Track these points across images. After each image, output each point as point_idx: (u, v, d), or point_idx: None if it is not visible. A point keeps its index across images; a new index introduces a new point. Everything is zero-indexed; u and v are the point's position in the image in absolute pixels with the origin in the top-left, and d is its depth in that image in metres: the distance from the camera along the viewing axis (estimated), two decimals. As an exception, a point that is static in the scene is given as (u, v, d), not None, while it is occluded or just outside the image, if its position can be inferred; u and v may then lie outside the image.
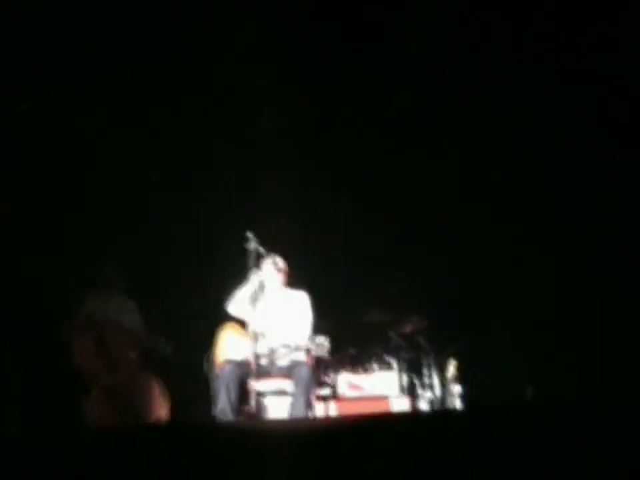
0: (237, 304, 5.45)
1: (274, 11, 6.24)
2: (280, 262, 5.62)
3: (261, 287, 5.51)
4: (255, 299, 5.24)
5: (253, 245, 5.14)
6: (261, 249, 5.23)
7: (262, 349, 5.09)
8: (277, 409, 5.44)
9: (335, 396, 6.48)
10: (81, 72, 6.31)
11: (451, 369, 6.93)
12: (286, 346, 5.08)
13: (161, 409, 5.83)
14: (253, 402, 4.82)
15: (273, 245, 5.52)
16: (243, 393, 4.97)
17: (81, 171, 6.73)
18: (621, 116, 6.34)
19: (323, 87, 6.88)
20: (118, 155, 6.80)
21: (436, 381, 6.94)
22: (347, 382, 6.54)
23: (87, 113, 6.54)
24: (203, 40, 6.34)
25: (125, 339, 5.99)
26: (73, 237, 6.56)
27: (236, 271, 5.36)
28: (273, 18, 6.30)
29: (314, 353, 5.01)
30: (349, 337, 7.10)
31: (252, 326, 5.11)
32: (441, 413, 5.69)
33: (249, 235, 5.17)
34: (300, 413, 4.86)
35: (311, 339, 5.08)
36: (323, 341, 4.95)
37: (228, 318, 5.56)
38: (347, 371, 6.67)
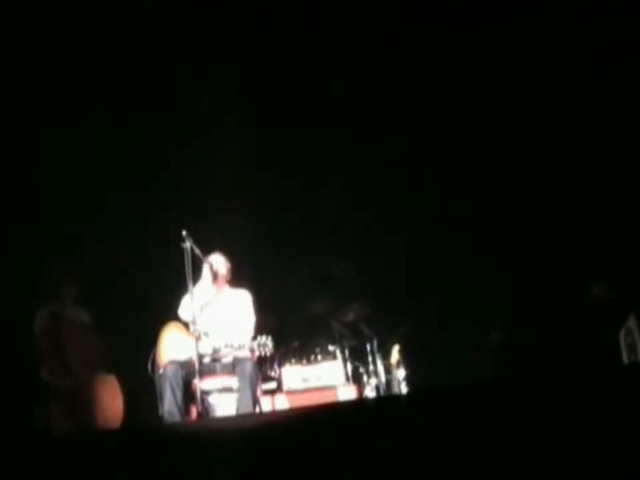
0: (187, 310, 5.34)
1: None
2: (219, 264, 5.56)
3: (208, 302, 5.47)
4: (202, 307, 5.25)
5: (188, 244, 5.08)
6: (197, 251, 5.17)
7: (205, 348, 5.06)
8: (224, 406, 5.43)
9: (280, 389, 6.51)
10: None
11: (395, 354, 7.00)
12: (229, 345, 5.06)
13: (116, 410, 5.81)
14: (199, 401, 4.80)
15: (210, 244, 5.48)
16: (188, 392, 4.94)
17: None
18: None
19: (262, 79, 6.86)
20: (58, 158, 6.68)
21: (380, 367, 7.01)
22: (292, 375, 6.56)
23: (28, 117, 6.42)
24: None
25: (84, 341, 5.96)
26: (22, 246, 6.48)
27: (175, 270, 5.29)
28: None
29: (257, 353, 4.99)
30: (292, 330, 7.12)
31: (195, 325, 5.08)
32: (386, 398, 5.74)
33: (184, 234, 5.10)
34: (247, 408, 4.86)
35: (254, 339, 5.05)
36: (266, 341, 4.95)
37: (172, 317, 5.50)
38: (292, 363, 6.69)
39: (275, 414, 5.16)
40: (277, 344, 5.95)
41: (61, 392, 5.66)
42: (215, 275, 5.47)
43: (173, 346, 5.25)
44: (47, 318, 5.99)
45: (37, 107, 6.41)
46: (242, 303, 5.52)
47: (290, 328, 7.16)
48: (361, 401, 5.93)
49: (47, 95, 6.38)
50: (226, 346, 5.06)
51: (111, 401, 5.81)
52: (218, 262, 5.57)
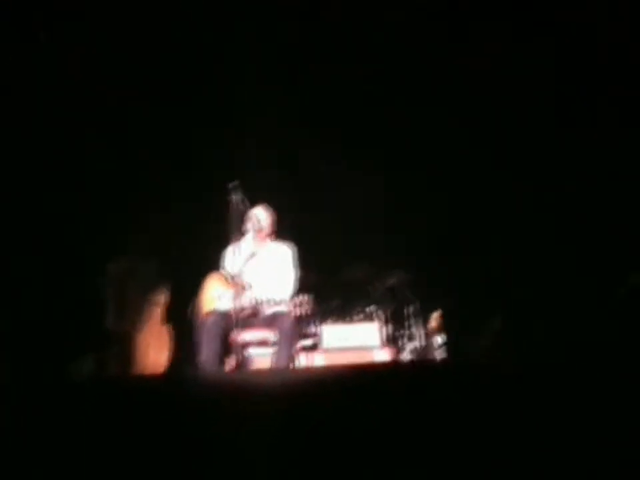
0: (230, 262, 5.38)
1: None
2: (262, 218, 5.58)
3: (251, 255, 5.50)
4: (244, 260, 5.27)
5: (235, 198, 5.11)
6: (241, 205, 5.19)
7: (245, 300, 5.10)
8: (261, 359, 5.49)
9: (318, 347, 6.56)
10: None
11: (434, 320, 7.01)
12: (269, 300, 5.09)
13: (162, 359, 5.98)
14: (236, 352, 4.85)
15: (256, 197, 5.50)
16: (226, 343, 5.00)
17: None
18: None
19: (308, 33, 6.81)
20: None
21: (418, 332, 7.02)
22: (330, 333, 6.60)
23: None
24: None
25: (146, 290, 6.12)
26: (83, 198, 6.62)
27: (221, 220, 5.32)
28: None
29: (296, 312, 4.98)
30: (334, 288, 7.15)
31: (236, 278, 5.12)
32: (421, 363, 5.76)
33: (232, 186, 5.12)
34: (283, 363, 4.89)
35: (294, 296, 5.05)
36: (305, 300, 4.94)
37: (214, 268, 5.55)
38: (330, 322, 6.74)
39: (310, 371, 5.21)
40: (317, 302, 5.98)
41: (116, 336, 5.85)
42: (258, 229, 5.50)
43: (214, 296, 5.31)
44: (119, 266, 6.16)
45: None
46: (284, 257, 5.54)
47: (331, 287, 7.18)
48: (395, 364, 5.95)
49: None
50: (265, 301, 5.10)
51: (159, 351, 5.97)
52: (261, 215, 5.60)
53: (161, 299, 6.22)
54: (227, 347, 5.02)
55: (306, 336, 6.68)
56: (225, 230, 5.29)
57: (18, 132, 6.19)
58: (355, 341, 6.54)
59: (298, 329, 5.26)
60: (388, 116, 7.18)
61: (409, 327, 7.04)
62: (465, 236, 7.23)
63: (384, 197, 7.48)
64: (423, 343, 7.05)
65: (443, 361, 6.50)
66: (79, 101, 6.57)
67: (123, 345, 5.88)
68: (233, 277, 5.17)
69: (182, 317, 5.59)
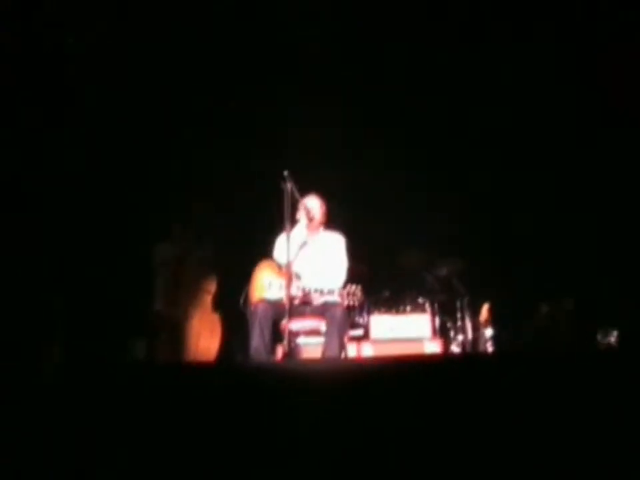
0: (282, 251, 5.37)
1: None
2: (314, 207, 5.55)
3: (303, 244, 5.49)
4: (296, 249, 5.27)
5: (289, 185, 5.09)
6: (296, 193, 5.17)
7: (296, 290, 5.10)
8: (310, 348, 5.50)
9: (367, 337, 6.55)
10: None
11: (484, 312, 6.95)
12: (319, 290, 5.08)
13: (213, 347, 6.03)
14: (286, 341, 4.86)
15: (309, 185, 5.48)
16: (276, 332, 5.01)
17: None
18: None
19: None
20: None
21: (469, 324, 6.97)
22: (380, 324, 6.58)
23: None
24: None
25: (200, 277, 6.18)
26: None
27: (274, 209, 5.33)
28: None
29: (346, 302, 4.95)
30: (384, 279, 7.12)
31: (288, 267, 5.11)
32: (471, 356, 5.72)
33: (286, 174, 5.11)
34: (333, 352, 4.89)
35: (345, 287, 5.02)
36: (355, 290, 4.91)
37: (266, 256, 5.56)
38: (380, 312, 6.71)
39: (359, 360, 5.21)
40: (368, 292, 5.96)
41: (169, 322, 5.91)
42: (310, 218, 5.49)
43: (264, 285, 5.32)
44: (170, 251, 6.21)
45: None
46: (335, 247, 5.51)
47: (382, 277, 7.15)
48: (445, 356, 5.91)
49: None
50: (315, 290, 5.09)
51: (210, 338, 6.02)
52: (313, 204, 5.57)
53: (213, 286, 6.25)
54: (277, 335, 5.04)
55: (355, 326, 6.67)
56: (277, 218, 5.29)
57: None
58: (405, 332, 6.52)
59: (348, 318, 5.24)
60: (443, 107, 7.13)
61: (460, 318, 6.99)
62: (515, 228, 7.17)
63: (440, 186, 7.42)
64: (472, 335, 7.00)
65: (493, 353, 6.46)
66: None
67: (175, 331, 5.94)
68: (284, 266, 5.18)
69: (233, 305, 5.62)
